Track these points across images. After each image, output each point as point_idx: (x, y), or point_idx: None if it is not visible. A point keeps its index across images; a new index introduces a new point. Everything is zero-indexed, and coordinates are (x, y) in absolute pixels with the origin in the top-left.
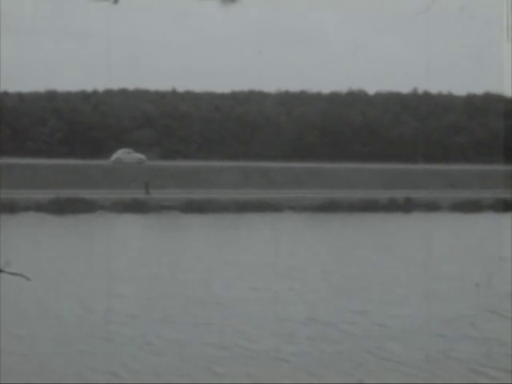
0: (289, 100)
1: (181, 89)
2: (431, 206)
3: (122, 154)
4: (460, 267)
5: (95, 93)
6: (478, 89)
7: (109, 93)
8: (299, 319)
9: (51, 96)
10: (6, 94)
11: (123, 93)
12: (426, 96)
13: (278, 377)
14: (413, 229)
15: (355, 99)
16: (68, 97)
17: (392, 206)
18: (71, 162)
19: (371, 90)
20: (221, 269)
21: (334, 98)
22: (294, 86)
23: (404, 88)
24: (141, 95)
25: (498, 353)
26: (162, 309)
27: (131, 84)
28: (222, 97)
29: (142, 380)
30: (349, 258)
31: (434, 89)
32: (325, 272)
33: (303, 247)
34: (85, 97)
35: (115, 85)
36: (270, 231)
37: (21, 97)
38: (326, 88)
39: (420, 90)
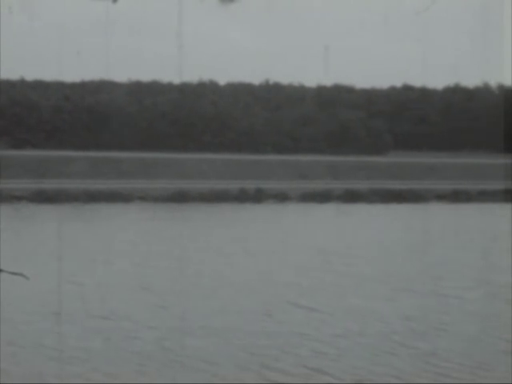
0: (140, 90)
1: (30, 78)
2: (281, 197)
3: None
4: (283, 260)
5: None
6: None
7: None
8: (100, 315)
9: None
10: None
11: None
12: (277, 87)
13: (67, 375)
14: (258, 220)
15: (206, 90)
16: None
17: (243, 197)
18: None
19: (222, 80)
20: (40, 262)
21: (184, 89)
22: (145, 76)
23: (255, 79)
24: None
25: (296, 346)
26: None
27: None
28: (72, 86)
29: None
30: (175, 250)
31: (284, 80)
32: (140, 265)
33: (137, 240)
34: None
35: None
36: (114, 222)
37: None
38: (177, 78)
39: (271, 81)
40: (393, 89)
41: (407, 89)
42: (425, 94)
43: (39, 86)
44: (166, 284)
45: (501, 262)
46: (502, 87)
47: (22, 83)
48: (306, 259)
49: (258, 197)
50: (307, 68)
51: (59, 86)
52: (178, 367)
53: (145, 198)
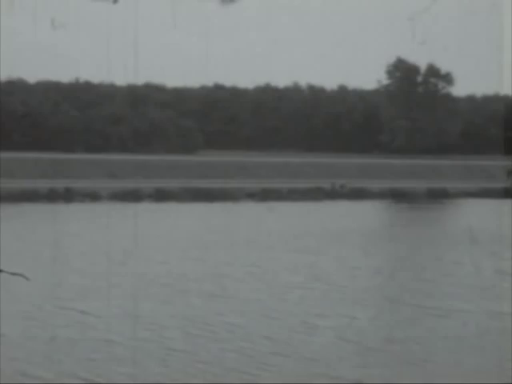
0: None
1: None
2: (91, 196)
3: None
4: (72, 263)
5: None
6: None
7: None
8: None
9: None
10: None
11: None
12: (87, 85)
13: None
14: (62, 220)
15: (15, 88)
16: None
17: (52, 196)
18: None
19: (31, 78)
20: None
21: None
22: None
23: (65, 77)
24: None
25: (63, 352)
26: None
27: None
28: None
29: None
30: None
31: (95, 78)
32: None
33: None
34: None
35: None
36: None
37: None
38: None
39: (81, 80)
40: (204, 88)
41: (218, 88)
42: (235, 93)
43: None
44: None
45: (297, 261)
46: (311, 87)
47: None
48: (96, 261)
49: (67, 196)
50: (118, 66)
51: None
52: None
53: None
